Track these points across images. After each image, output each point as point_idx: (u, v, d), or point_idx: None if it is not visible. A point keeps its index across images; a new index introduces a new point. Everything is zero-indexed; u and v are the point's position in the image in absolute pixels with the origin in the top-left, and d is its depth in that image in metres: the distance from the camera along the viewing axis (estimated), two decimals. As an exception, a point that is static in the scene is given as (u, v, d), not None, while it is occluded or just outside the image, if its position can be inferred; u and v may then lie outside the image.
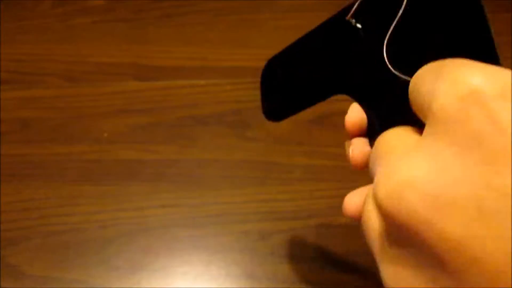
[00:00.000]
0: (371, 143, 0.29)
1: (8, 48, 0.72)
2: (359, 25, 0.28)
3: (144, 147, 0.60)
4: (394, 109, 0.27)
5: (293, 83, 0.34)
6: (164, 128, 0.62)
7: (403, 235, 0.20)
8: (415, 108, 0.22)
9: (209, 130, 0.61)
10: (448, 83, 0.19)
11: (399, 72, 0.26)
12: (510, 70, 0.19)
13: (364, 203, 0.23)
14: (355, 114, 0.30)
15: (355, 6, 0.29)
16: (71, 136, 0.61)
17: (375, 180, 0.22)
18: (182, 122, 0.62)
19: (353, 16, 0.29)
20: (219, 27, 0.73)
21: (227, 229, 0.53)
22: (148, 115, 0.63)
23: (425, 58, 0.23)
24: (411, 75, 0.23)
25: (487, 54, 0.24)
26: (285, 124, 0.62)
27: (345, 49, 0.30)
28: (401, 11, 0.26)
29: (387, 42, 0.26)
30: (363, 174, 0.34)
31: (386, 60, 0.26)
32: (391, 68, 0.26)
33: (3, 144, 0.60)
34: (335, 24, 0.30)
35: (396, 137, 0.24)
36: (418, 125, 0.24)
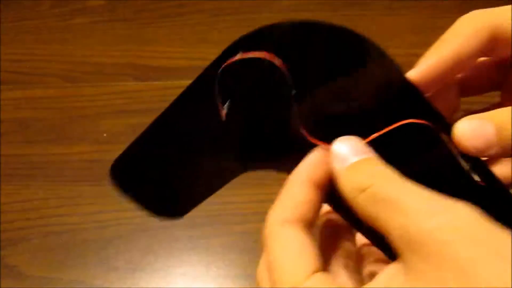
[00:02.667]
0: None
1: (8, 48, 0.72)
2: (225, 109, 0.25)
3: (143, 147, 0.60)
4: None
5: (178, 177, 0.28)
6: (164, 128, 0.62)
7: None
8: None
9: (208, 130, 0.61)
10: None
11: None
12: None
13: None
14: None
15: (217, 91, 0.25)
16: (71, 136, 0.61)
17: None
18: (182, 122, 0.62)
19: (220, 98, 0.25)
20: (219, 27, 0.73)
21: (227, 229, 0.53)
22: (147, 115, 0.62)
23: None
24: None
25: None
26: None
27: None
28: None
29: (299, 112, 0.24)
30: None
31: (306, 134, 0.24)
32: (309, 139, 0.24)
33: (3, 144, 0.60)
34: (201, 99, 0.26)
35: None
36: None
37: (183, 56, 0.70)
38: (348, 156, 0.21)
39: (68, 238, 0.52)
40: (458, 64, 0.24)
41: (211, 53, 0.80)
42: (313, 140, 0.24)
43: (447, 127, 0.23)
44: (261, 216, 0.59)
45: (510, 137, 0.22)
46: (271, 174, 0.61)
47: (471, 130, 0.22)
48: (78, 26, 0.75)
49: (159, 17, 0.76)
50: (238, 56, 0.25)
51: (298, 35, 0.25)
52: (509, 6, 0.25)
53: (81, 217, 0.53)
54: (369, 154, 0.22)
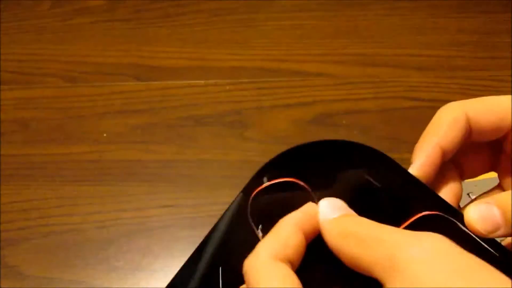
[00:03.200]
0: None
1: (8, 48, 0.72)
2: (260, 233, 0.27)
3: (143, 147, 0.60)
4: None
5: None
6: (164, 128, 0.62)
7: None
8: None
9: (208, 130, 0.61)
10: None
11: None
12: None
13: None
14: None
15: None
16: (71, 136, 0.61)
17: None
18: (181, 122, 0.62)
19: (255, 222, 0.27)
20: (218, 27, 0.73)
21: (227, 229, 0.53)
22: (147, 115, 0.63)
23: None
24: None
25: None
26: (284, 124, 0.62)
27: None
28: None
29: None
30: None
31: None
32: None
33: (3, 144, 0.60)
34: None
35: None
36: None
37: (183, 56, 0.70)
38: (332, 211, 0.25)
39: (68, 238, 0.52)
40: (446, 151, 0.28)
41: (211, 53, 0.80)
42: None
43: (456, 213, 0.26)
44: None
45: None
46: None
47: (480, 214, 0.25)
48: (78, 26, 0.75)
49: (159, 17, 0.76)
50: (265, 183, 0.28)
51: (311, 155, 0.28)
52: (479, 98, 0.29)
53: (81, 217, 0.54)
54: (350, 211, 0.25)
